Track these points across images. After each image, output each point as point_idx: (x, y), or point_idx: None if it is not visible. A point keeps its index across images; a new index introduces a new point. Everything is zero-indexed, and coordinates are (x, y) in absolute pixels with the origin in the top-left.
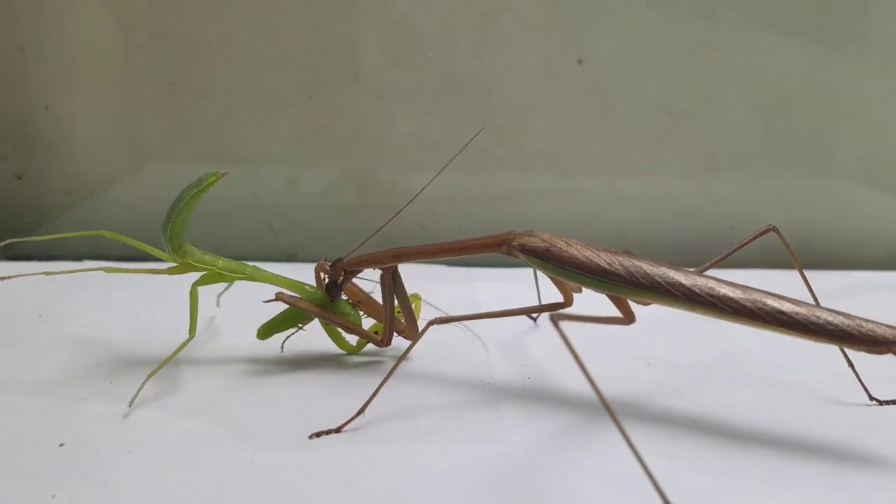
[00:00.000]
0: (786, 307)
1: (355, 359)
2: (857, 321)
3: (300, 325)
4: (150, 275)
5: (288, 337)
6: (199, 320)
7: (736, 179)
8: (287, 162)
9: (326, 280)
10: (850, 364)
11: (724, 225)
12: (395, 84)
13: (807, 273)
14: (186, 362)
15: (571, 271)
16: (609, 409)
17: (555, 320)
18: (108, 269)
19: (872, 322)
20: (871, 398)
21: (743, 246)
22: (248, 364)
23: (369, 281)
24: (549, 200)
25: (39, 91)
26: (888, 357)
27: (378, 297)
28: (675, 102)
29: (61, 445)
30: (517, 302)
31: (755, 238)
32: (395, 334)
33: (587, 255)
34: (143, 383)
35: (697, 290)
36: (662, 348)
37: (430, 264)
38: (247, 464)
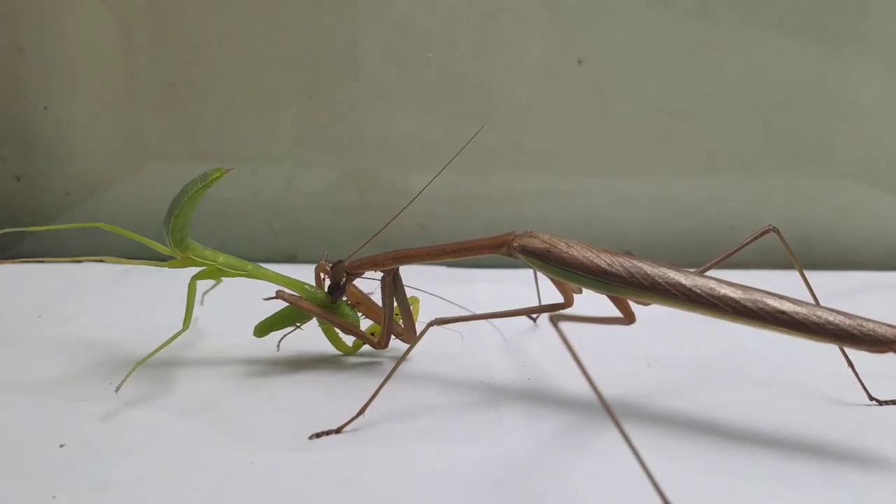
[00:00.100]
0: (786, 307)
1: (354, 360)
2: (858, 321)
3: (298, 325)
4: (149, 275)
5: (285, 335)
6: (200, 321)
7: (736, 179)
8: (287, 162)
9: (326, 280)
10: (850, 364)
11: (724, 225)
12: (394, 84)
13: (807, 273)
14: (185, 363)
15: (572, 272)
16: (609, 410)
17: (554, 321)
18: (108, 260)
19: (873, 321)
20: (871, 398)
21: (744, 246)
22: (248, 365)
23: (373, 279)
24: (550, 201)
25: (38, 91)
26: (888, 357)
27: (377, 298)
28: (675, 102)
29: (61, 446)
30: (517, 303)
31: (756, 238)
32: (392, 337)
33: (588, 256)
34: (132, 371)
35: (698, 291)
36: (662, 349)
37: (429, 265)
38: (246, 465)
